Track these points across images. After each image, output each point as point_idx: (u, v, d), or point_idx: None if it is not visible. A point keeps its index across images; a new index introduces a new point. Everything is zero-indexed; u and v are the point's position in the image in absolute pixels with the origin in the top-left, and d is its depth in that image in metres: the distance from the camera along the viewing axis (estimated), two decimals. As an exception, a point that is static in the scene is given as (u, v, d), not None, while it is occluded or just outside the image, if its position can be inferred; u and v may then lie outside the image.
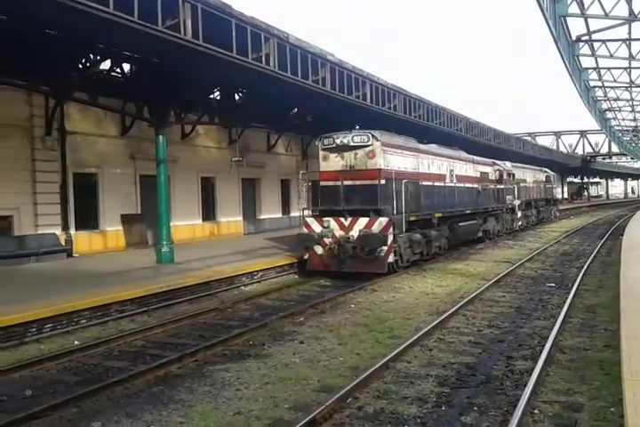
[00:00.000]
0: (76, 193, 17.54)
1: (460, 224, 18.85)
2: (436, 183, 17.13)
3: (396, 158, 14.86)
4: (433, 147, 18.44)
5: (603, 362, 7.06)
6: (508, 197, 25.39)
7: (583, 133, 69.29)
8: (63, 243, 16.55)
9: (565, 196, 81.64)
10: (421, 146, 17.31)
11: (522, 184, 29.09)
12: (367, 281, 13.11)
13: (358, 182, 14.06)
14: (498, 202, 23.87)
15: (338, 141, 14.23)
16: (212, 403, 5.92)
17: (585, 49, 28.87)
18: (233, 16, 13.90)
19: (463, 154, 21.00)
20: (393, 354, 7.26)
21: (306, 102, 19.51)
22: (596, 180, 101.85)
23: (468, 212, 19.70)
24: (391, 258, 13.61)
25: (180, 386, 6.44)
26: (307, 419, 5.24)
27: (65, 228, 16.98)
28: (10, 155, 15.60)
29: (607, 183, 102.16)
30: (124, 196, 19.23)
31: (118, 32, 11.41)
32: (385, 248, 13.41)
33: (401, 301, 11.28)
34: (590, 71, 31.61)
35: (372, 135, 14.09)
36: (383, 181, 13.82)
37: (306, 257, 14.28)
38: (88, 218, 18.19)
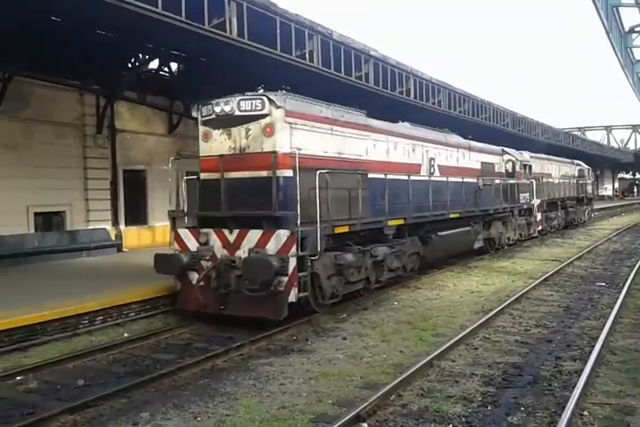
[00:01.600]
0: (126, 189, 18.04)
1: (441, 234, 13.64)
2: (398, 176, 11.66)
3: (315, 137, 9.64)
4: (401, 126, 13.34)
5: (656, 365, 6.83)
6: (523, 195, 20.22)
7: (635, 128, 66.90)
8: (113, 238, 17.06)
9: (617, 192, 78.98)
10: (375, 122, 11.67)
11: (544, 179, 23.82)
12: (409, 279, 13.01)
13: (247, 174, 9.06)
14: (508, 201, 18.40)
15: (218, 110, 9.24)
16: (256, 397, 6.01)
17: (638, 40, 27.83)
18: (277, 14, 14.01)
19: (454, 138, 16.05)
20: (437, 352, 7.19)
21: (350, 99, 19.45)
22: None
23: (453, 216, 14.16)
24: (293, 295, 8.48)
25: (225, 379, 6.56)
26: (351, 415, 5.25)
27: (115, 223, 17.50)
28: (63, 153, 16.16)
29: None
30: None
31: (166, 32, 11.67)
32: (284, 280, 8.47)
33: (445, 299, 11.17)
34: (644, 63, 30.42)
35: (270, 100, 9.03)
36: (286, 173, 8.78)
37: (178, 288, 9.56)
38: (137, 214, 18.69)
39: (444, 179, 13.87)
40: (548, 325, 8.97)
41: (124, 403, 5.90)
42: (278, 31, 14.12)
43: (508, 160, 19.53)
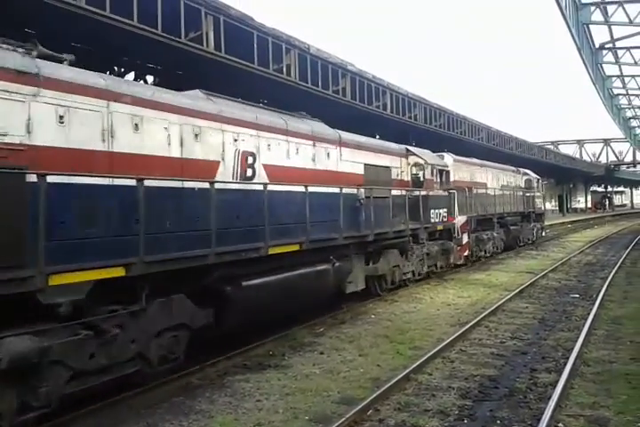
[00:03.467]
0: None
1: (251, 283, 7.95)
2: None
3: None
4: (168, 92, 7.71)
5: (629, 375, 6.92)
6: (436, 211, 14.73)
7: (607, 142, 68.45)
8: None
9: (589, 205, 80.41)
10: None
11: (476, 190, 18.84)
12: (388, 291, 13.02)
13: None
14: (411, 221, 13.05)
15: None
16: (232, 414, 5.92)
17: (609, 56, 28.62)
18: (254, 28, 14.12)
19: (314, 126, 10.60)
20: (414, 366, 7.19)
21: (327, 112, 19.59)
22: (621, 189, 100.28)
23: (284, 250, 8.50)
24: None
25: (200, 396, 6.45)
26: (327, 431, 5.14)
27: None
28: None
29: (632, 192, 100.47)
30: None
31: (142, 44, 11.63)
32: None
33: (422, 311, 11.19)
34: (614, 79, 31.32)
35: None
36: None
37: None
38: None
39: (276, 187, 8.42)
40: (524, 337, 9.04)
41: (96, 424, 5.74)
42: (255, 45, 14.22)
43: (416, 164, 14.16)
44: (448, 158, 17.69)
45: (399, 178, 13.49)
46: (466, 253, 17.46)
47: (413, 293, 13.30)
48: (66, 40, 11.77)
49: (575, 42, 25.33)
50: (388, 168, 12.96)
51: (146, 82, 16.36)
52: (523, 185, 25.92)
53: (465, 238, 17.13)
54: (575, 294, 12.95)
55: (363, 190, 10.95)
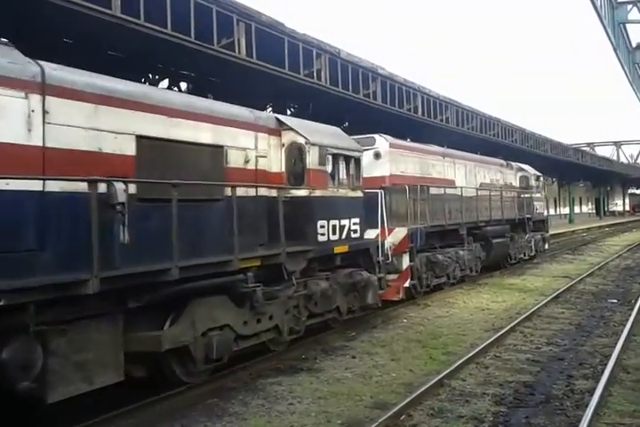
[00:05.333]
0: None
1: None
2: None
3: None
4: None
5: (671, 384, 6.72)
6: (334, 223, 8.76)
7: (646, 143, 66.64)
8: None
9: (627, 208, 78.40)
10: None
11: (431, 191, 13.28)
12: (421, 296, 12.91)
13: None
14: (265, 242, 7.73)
15: None
16: (265, 417, 5.95)
17: (646, 56, 27.90)
18: (285, 33, 14.23)
19: None
20: (447, 371, 7.12)
21: (357, 116, 19.64)
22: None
23: None
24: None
25: (233, 399, 6.50)
26: (358, 436, 4.97)
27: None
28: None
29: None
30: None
31: (176, 52, 11.85)
32: None
33: (455, 316, 11.08)
34: (652, 79, 30.51)
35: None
36: None
37: None
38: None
39: None
40: (560, 343, 8.86)
41: (132, 424, 5.85)
42: (286, 50, 14.33)
43: (293, 145, 8.34)
44: (380, 142, 12.47)
45: (254, 167, 7.67)
46: (407, 284, 11.54)
47: (446, 297, 13.17)
48: (102, 48, 12.10)
49: (611, 41, 24.83)
50: (218, 149, 7.14)
51: (180, 89, 16.67)
52: (516, 183, 20.21)
53: (405, 262, 11.51)
54: (613, 300, 12.65)
55: (122, 186, 5.44)
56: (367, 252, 9.77)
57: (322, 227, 8.35)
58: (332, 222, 8.60)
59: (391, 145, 12.75)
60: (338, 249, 8.78)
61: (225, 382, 7.10)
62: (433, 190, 13.34)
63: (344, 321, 9.56)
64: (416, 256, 12.11)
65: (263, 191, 7.62)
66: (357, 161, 9.52)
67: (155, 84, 15.39)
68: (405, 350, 8.53)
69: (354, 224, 9.21)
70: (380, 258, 10.07)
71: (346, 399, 6.42)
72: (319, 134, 8.77)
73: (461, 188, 15.07)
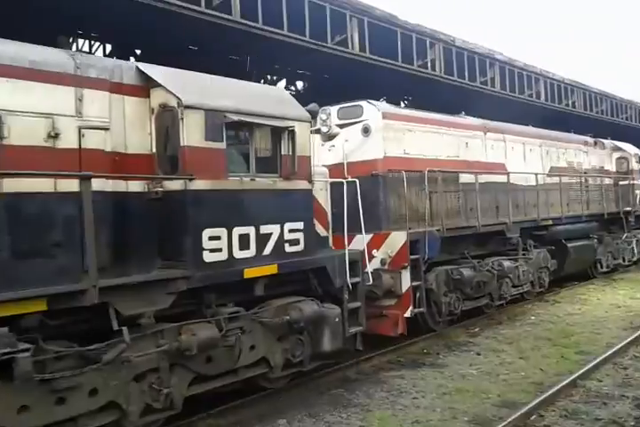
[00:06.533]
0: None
1: None
2: None
3: None
4: None
5: None
6: (239, 231, 5.53)
7: None
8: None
9: None
10: None
11: (484, 179, 10.18)
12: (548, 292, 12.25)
13: None
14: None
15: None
16: (389, 410, 5.97)
17: None
18: (398, 26, 14.12)
19: None
20: (582, 371, 6.72)
21: (473, 104, 19.02)
22: None
23: None
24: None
25: (357, 390, 6.59)
26: (487, 435, 4.74)
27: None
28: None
29: None
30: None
31: (293, 52, 12.18)
32: None
33: (588, 314, 10.40)
34: None
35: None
36: None
37: None
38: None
39: None
40: None
41: (263, 409, 6.11)
42: (399, 43, 14.21)
43: (165, 107, 5.23)
44: (370, 112, 8.79)
45: (75, 145, 4.72)
46: (408, 313, 8.16)
47: (577, 293, 12.42)
48: (222, 52, 12.72)
49: None
50: None
51: (296, 88, 17.12)
52: (611, 167, 15.92)
53: (405, 282, 8.19)
54: None
55: None
56: (323, 272, 6.45)
57: (213, 239, 5.22)
58: (240, 231, 5.47)
59: (385, 115, 8.73)
60: (253, 272, 5.60)
61: (347, 373, 7.22)
62: (464, 178, 9.74)
63: (289, 379, 6.50)
64: (429, 272, 8.71)
65: (99, 185, 4.65)
66: (298, 135, 6.00)
67: (273, 84, 15.93)
68: (534, 348, 8.16)
69: (291, 232, 5.99)
70: (349, 280, 6.69)
71: (471, 396, 6.27)
72: (210, 92, 5.48)
73: (508, 174, 10.76)
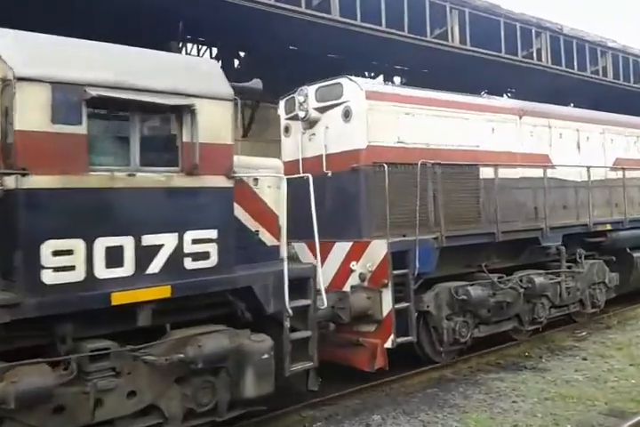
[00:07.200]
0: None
1: None
2: None
3: None
4: None
5: None
6: (180, 239, 4.59)
7: None
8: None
9: None
10: None
11: (512, 174, 8.28)
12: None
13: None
14: None
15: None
16: (486, 412, 5.85)
17: None
18: (501, 15, 13.68)
19: None
20: (701, 382, 6.19)
21: (582, 95, 17.99)
22: None
23: None
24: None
25: (454, 391, 6.51)
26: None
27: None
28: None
29: None
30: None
31: (390, 48, 12.14)
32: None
33: None
34: None
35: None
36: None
37: None
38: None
39: None
40: None
41: (358, 404, 6.23)
42: (502, 33, 13.74)
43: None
44: (351, 91, 7.00)
45: None
46: (388, 344, 6.51)
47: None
48: (323, 52, 12.92)
49: None
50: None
51: (393, 83, 17.00)
52: None
53: (386, 304, 6.57)
54: None
55: None
56: (249, 294, 5.02)
57: (60, 253, 4.02)
58: (108, 242, 4.23)
59: (370, 95, 6.97)
60: (126, 296, 4.29)
61: (444, 373, 7.14)
62: (486, 173, 7.75)
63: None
64: (428, 290, 7.06)
65: None
66: (206, 116, 4.66)
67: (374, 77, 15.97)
68: (647, 355, 7.65)
69: (196, 243, 4.66)
70: (291, 304, 5.24)
71: (576, 403, 6.00)
72: (69, 61, 4.25)
73: (545, 167, 8.60)
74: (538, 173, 8.53)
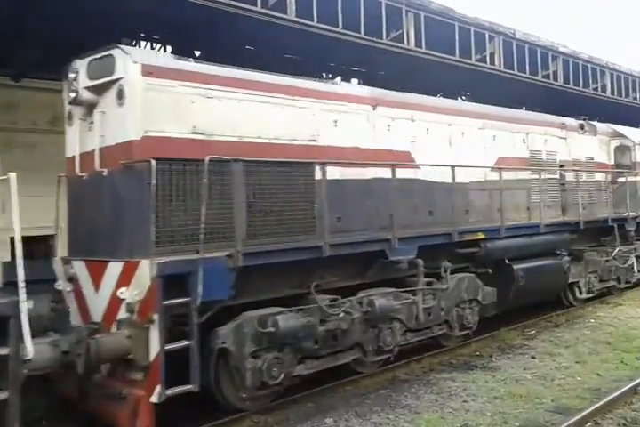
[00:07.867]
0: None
1: None
2: None
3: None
4: None
5: None
6: None
7: None
8: None
9: None
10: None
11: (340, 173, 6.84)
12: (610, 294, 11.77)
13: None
14: None
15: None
16: (438, 412, 5.92)
17: None
18: (455, 19, 13.85)
19: None
20: (643, 378, 6.39)
21: (534, 99, 18.44)
22: None
23: None
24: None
25: (406, 391, 6.56)
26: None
27: None
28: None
29: None
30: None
31: (347, 49, 12.15)
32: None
33: (653, 317, 9.95)
34: None
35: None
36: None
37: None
38: None
39: None
40: None
41: (311, 407, 6.19)
42: (457, 37, 13.93)
43: None
44: (124, 65, 5.55)
45: None
46: (154, 398, 4.94)
47: (642, 296, 11.86)
48: (279, 52, 12.83)
49: None
50: None
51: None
52: (606, 159, 12.33)
53: (153, 346, 5.04)
54: None
55: None
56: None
57: None
58: None
59: (149, 70, 5.56)
60: None
61: (397, 373, 7.20)
62: (329, 172, 6.42)
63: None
64: (230, 322, 5.72)
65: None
66: None
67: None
68: (592, 352, 7.90)
69: None
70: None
71: (524, 401, 6.14)
72: None
73: (394, 166, 7.13)
74: (399, 173, 7.13)
